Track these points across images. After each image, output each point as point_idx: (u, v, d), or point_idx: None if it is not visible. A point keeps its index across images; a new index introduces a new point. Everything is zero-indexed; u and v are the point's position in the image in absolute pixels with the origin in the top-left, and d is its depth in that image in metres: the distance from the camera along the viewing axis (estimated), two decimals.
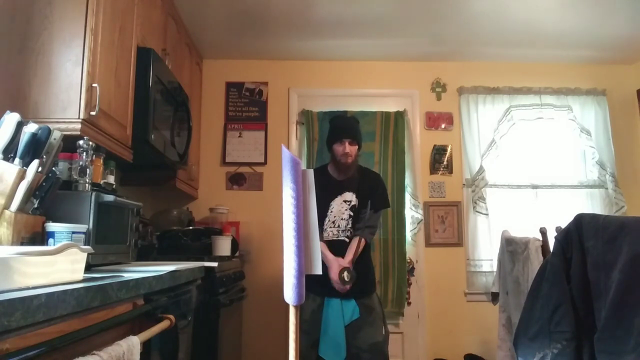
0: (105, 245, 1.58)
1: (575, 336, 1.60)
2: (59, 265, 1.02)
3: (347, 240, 2.44)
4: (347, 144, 2.38)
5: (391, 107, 3.64)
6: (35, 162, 1.34)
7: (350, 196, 2.46)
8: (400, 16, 3.06)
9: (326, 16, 3.05)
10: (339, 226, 2.45)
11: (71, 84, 1.66)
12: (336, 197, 2.47)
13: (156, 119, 2.24)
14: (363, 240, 2.44)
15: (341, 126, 2.46)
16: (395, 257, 3.39)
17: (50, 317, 0.83)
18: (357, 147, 2.43)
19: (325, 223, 2.46)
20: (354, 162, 2.46)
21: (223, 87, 3.67)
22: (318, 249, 1.40)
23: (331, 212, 2.46)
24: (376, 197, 2.49)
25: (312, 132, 3.56)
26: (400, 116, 3.58)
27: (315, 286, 2.39)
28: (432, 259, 3.53)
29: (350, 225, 2.45)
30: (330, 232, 2.46)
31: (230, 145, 3.60)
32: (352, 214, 2.46)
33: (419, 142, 3.66)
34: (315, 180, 2.50)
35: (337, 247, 2.43)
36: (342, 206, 2.46)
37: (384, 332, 2.42)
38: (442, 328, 3.46)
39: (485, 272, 3.49)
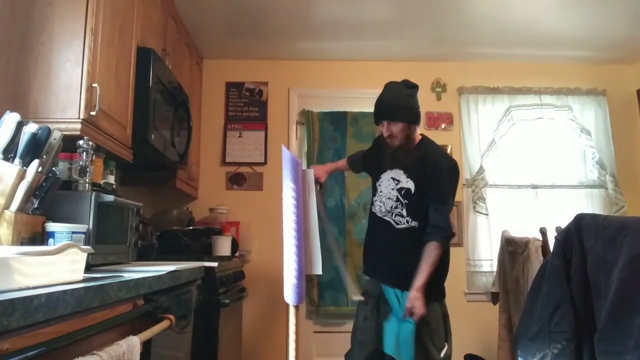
0: (105, 245, 1.58)
1: (575, 336, 1.60)
2: (59, 265, 1.02)
3: (393, 223, 2.08)
4: (385, 125, 2.06)
5: None
6: (35, 162, 1.34)
7: (399, 174, 2.10)
8: (400, 16, 3.06)
9: (326, 17, 3.04)
10: (383, 204, 2.13)
11: (71, 84, 1.66)
12: (386, 170, 2.14)
13: (156, 119, 2.24)
14: (436, 245, 1.98)
15: (377, 104, 2.10)
16: None
17: (50, 317, 0.83)
18: (402, 124, 2.04)
19: (375, 195, 2.18)
20: (408, 141, 2.08)
21: (223, 87, 3.67)
22: (318, 248, 1.40)
23: (379, 185, 2.16)
24: (430, 189, 2.04)
25: (313, 132, 3.56)
26: None
27: (368, 270, 2.17)
28: None
29: (400, 210, 2.07)
30: (377, 207, 2.15)
31: (230, 145, 3.60)
32: (402, 198, 2.07)
33: None
34: (376, 147, 2.28)
35: (380, 226, 2.12)
36: (389, 183, 2.12)
37: (440, 355, 1.97)
38: None
39: (485, 272, 3.49)
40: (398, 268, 2.03)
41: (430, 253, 1.97)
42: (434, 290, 2.01)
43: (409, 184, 2.06)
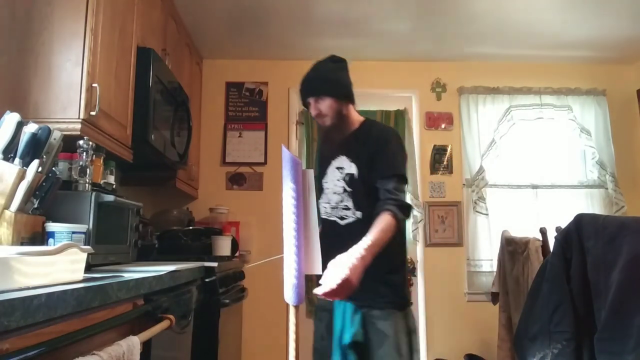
0: (105, 245, 1.58)
1: (575, 336, 1.61)
2: (59, 265, 1.02)
3: (338, 220, 1.71)
4: (312, 103, 1.76)
5: (392, 107, 3.63)
6: (35, 162, 1.34)
7: (342, 161, 1.74)
8: (400, 16, 3.06)
9: (326, 16, 3.05)
10: (328, 201, 1.76)
11: (71, 84, 1.66)
12: (330, 163, 1.79)
13: (156, 119, 2.24)
14: (388, 214, 1.51)
15: (300, 83, 1.80)
16: None
17: (50, 317, 0.82)
18: (330, 100, 1.73)
19: (321, 196, 1.80)
20: (341, 120, 1.76)
21: (223, 87, 3.67)
22: (318, 249, 1.40)
23: (326, 182, 1.79)
24: (381, 161, 1.65)
25: (312, 132, 3.56)
26: (400, 115, 3.56)
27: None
28: (432, 259, 3.53)
29: (346, 203, 1.70)
30: (322, 209, 1.78)
31: (230, 145, 3.60)
32: (348, 186, 1.70)
33: (419, 142, 3.66)
34: (318, 154, 1.99)
35: (325, 229, 1.71)
36: (335, 175, 1.76)
37: None
38: (442, 328, 3.46)
39: (485, 272, 3.49)
40: None
41: (380, 221, 1.50)
42: (395, 295, 1.63)
43: (352, 169, 1.71)
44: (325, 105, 1.74)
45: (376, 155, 1.67)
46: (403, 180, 1.65)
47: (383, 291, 1.62)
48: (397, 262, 1.69)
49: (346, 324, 1.59)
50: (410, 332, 1.63)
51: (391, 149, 1.69)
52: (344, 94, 1.78)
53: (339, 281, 1.31)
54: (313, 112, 1.77)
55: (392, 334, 1.56)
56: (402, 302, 1.65)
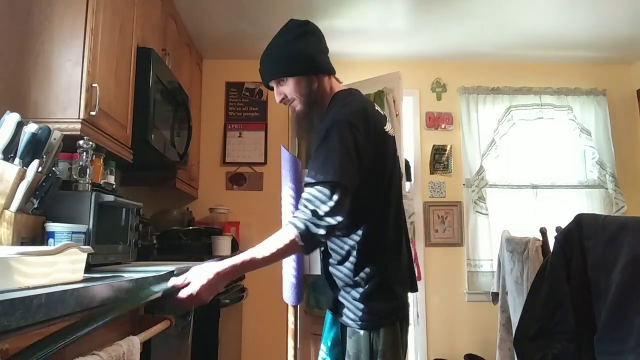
0: (105, 245, 1.58)
1: (575, 336, 1.61)
2: (59, 265, 1.02)
3: None
4: (275, 88, 1.46)
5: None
6: (35, 162, 1.34)
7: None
8: (400, 16, 3.06)
9: (326, 16, 3.04)
10: None
11: (71, 84, 1.66)
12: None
13: (156, 119, 2.24)
14: (288, 232, 1.20)
15: (259, 70, 1.50)
16: None
17: (50, 317, 0.82)
18: (292, 80, 1.41)
19: None
20: (312, 101, 1.43)
21: (223, 87, 3.68)
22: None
23: None
24: (311, 163, 1.31)
25: None
26: (379, 97, 3.08)
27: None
28: (432, 259, 3.53)
29: None
30: None
31: (230, 145, 3.60)
32: None
33: (420, 142, 3.66)
34: None
35: None
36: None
37: None
38: (442, 328, 3.45)
39: (485, 272, 3.49)
40: (326, 285, 1.46)
41: (275, 235, 1.22)
42: (356, 313, 1.33)
43: None
44: (289, 87, 1.42)
45: (313, 153, 1.33)
46: (333, 187, 1.21)
47: (346, 307, 1.36)
48: (361, 277, 1.34)
49: (327, 334, 1.47)
50: (375, 354, 1.31)
51: (325, 147, 1.27)
52: (307, 67, 1.42)
53: (187, 293, 1.18)
54: (277, 98, 1.46)
55: (352, 354, 1.33)
56: (366, 320, 1.32)
